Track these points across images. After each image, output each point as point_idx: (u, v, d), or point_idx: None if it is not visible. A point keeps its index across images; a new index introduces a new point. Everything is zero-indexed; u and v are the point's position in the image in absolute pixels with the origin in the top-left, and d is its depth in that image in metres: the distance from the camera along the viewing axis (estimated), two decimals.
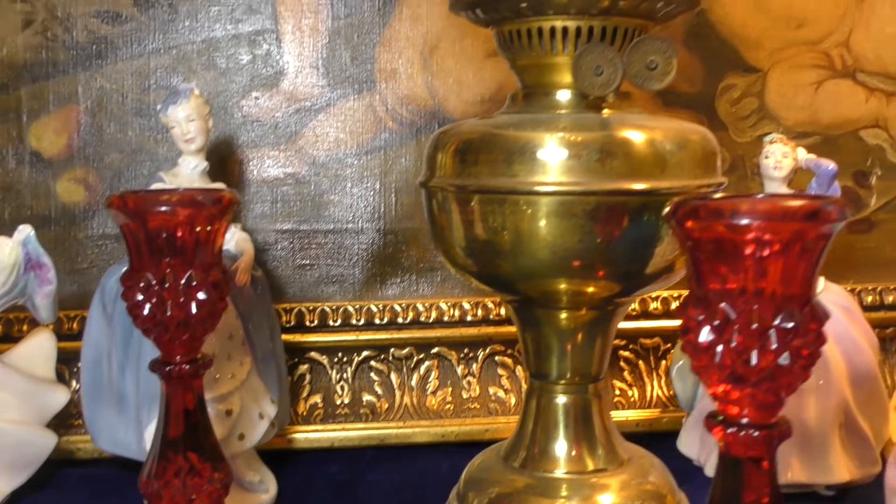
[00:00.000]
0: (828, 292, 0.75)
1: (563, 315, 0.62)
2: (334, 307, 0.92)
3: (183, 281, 0.55)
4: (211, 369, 0.70)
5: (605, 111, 0.59)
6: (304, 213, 0.92)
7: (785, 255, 0.40)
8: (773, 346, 0.40)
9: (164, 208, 0.55)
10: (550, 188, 0.55)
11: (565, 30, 0.57)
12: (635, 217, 0.56)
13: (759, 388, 0.41)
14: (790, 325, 0.40)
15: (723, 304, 0.41)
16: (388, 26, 0.91)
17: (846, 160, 0.96)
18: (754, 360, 0.40)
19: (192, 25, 0.90)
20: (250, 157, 0.91)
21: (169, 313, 0.55)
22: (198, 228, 0.56)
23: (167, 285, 0.55)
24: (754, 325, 0.40)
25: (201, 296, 0.56)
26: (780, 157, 0.76)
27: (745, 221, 0.40)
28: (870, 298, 0.96)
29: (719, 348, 0.41)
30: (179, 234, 0.55)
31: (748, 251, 0.40)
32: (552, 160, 0.55)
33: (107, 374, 0.74)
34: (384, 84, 0.92)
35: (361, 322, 0.92)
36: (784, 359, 0.40)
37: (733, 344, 0.40)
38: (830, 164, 0.73)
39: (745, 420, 0.42)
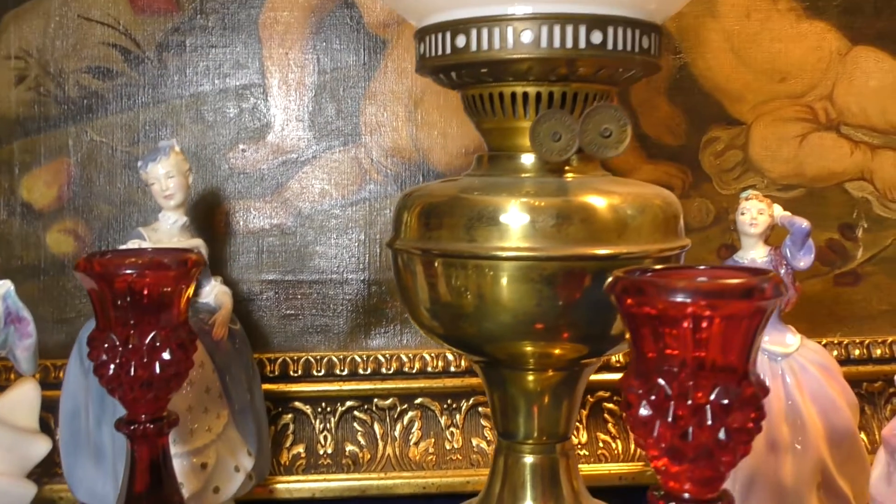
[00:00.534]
0: (804, 349, 0.75)
1: (530, 376, 0.62)
2: (318, 357, 0.92)
3: (147, 341, 0.56)
4: (187, 422, 0.71)
5: (569, 175, 0.60)
6: (289, 264, 0.93)
7: (721, 331, 0.40)
8: (710, 422, 0.40)
9: (129, 271, 0.56)
10: (511, 253, 0.56)
11: (525, 95, 0.58)
12: (596, 281, 0.56)
13: (697, 463, 0.41)
14: (726, 401, 0.40)
15: (660, 380, 0.41)
16: (373, 80, 0.93)
17: (832, 213, 0.96)
18: (691, 435, 0.40)
19: (181, 80, 0.91)
20: (237, 208, 0.93)
21: (133, 374, 0.56)
22: (163, 290, 0.57)
23: (131, 346, 0.56)
24: (689, 402, 0.40)
25: (166, 356, 0.57)
26: (755, 214, 0.76)
27: (681, 299, 0.40)
28: (857, 352, 0.95)
29: (657, 423, 0.41)
30: (145, 296, 0.56)
31: (685, 327, 0.40)
32: (513, 225, 0.56)
33: (84, 426, 0.74)
34: (369, 136, 0.93)
35: (345, 372, 0.92)
36: (721, 434, 0.40)
37: (670, 419, 0.41)
38: (804, 223, 0.73)
39: (686, 495, 0.42)
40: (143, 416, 0.58)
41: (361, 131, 0.93)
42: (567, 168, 0.60)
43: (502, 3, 0.55)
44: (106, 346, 0.56)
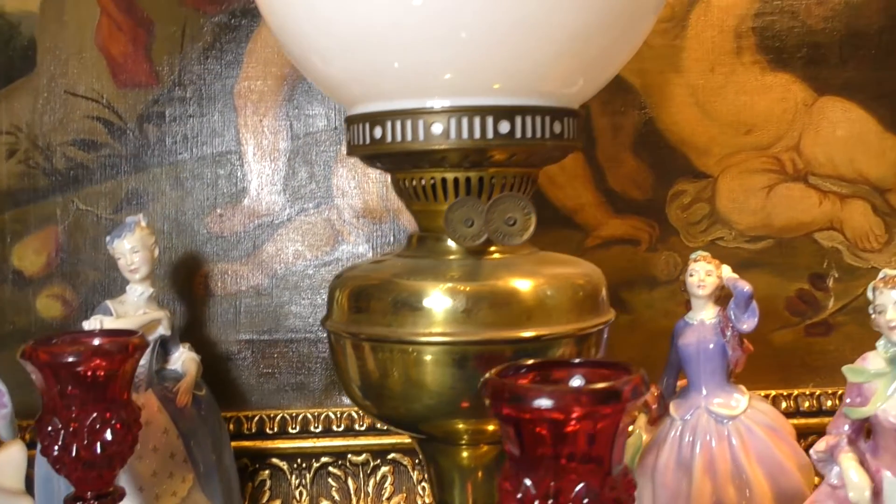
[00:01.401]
0: (752, 411, 0.76)
1: (464, 452, 0.64)
2: (294, 414, 0.95)
3: (88, 423, 0.60)
4: (153, 487, 0.74)
5: (494, 254, 0.62)
6: (265, 324, 0.96)
7: (584, 432, 0.42)
8: None
9: (72, 359, 0.59)
10: (433, 338, 0.58)
11: (444, 181, 0.60)
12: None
13: None
14: (586, 501, 0.41)
15: (526, 480, 0.43)
16: (344, 144, 0.96)
17: (801, 263, 0.96)
18: None
19: (161, 149, 0.96)
20: (215, 270, 0.96)
21: (75, 455, 0.60)
22: (105, 374, 0.60)
23: (72, 429, 0.59)
24: (550, 501, 0.42)
25: (108, 436, 0.60)
26: (703, 276, 0.77)
27: (544, 404, 0.42)
28: (829, 402, 0.95)
29: None
30: (87, 380, 0.60)
31: (548, 430, 0.42)
32: (435, 309, 0.58)
33: (57, 490, 0.78)
34: (341, 199, 0.96)
35: (320, 429, 0.95)
36: None
37: None
38: (746, 286, 0.74)
39: None
40: (88, 493, 0.61)
41: (334, 194, 0.96)
42: (493, 248, 0.62)
43: (415, 97, 0.57)
44: (49, 429, 0.59)
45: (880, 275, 0.63)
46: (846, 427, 0.62)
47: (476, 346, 0.58)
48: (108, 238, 0.80)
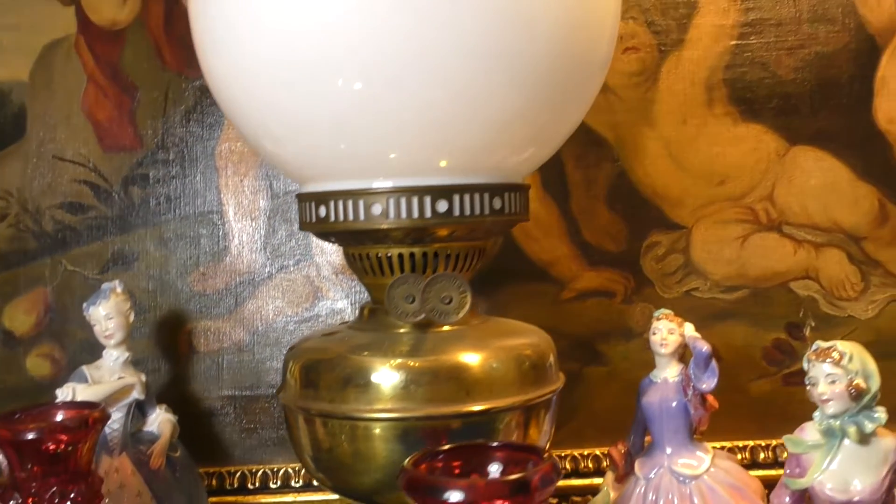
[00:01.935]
0: (716, 470, 0.76)
1: None
2: (275, 469, 0.97)
3: (48, 496, 0.62)
4: None
5: (444, 326, 0.63)
6: (246, 380, 0.98)
7: None
8: None
9: (32, 436, 0.61)
10: (381, 414, 0.59)
11: (389, 257, 0.62)
12: (466, 435, 0.59)
13: None
14: None
15: None
16: None
17: (778, 312, 0.96)
18: None
19: (145, 210, 0.99)
20: (198, 328, 0.98)
21: None
22: (65, 448, 0.62)
23: (31, 502, 0.61)
24: None
25: None
26: (665, 334, 0.78)
27: (455, 497, 0.43)
28: None
29: None
30: (48, 454, 0.62)
31: None
32: (384, 385, 0.60)
33: None
34: (320, 256, 0.98)
35: (300, 484, 0.96)
36: None
37: None
38: (704, 347, 0.74)
39: None
40: None
41: (313, 251, 0.98)
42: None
43: (362, 177, 0.59)
44: (11, 503, 0.61)
45: (813, 346, 0.64)
46: (787, 498, 0.63)
47: (422, 421, 0.59)
48: (84, 305, 0.83)
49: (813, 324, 0.96)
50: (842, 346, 0.61)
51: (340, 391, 0.60)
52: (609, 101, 0.97)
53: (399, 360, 0.60)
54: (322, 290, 0.98)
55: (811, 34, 0.96)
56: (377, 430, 0.60)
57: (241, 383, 0.98)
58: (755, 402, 0.96)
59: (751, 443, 0.95)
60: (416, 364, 0.60)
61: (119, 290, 0.83)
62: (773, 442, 0.95)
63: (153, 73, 0.99)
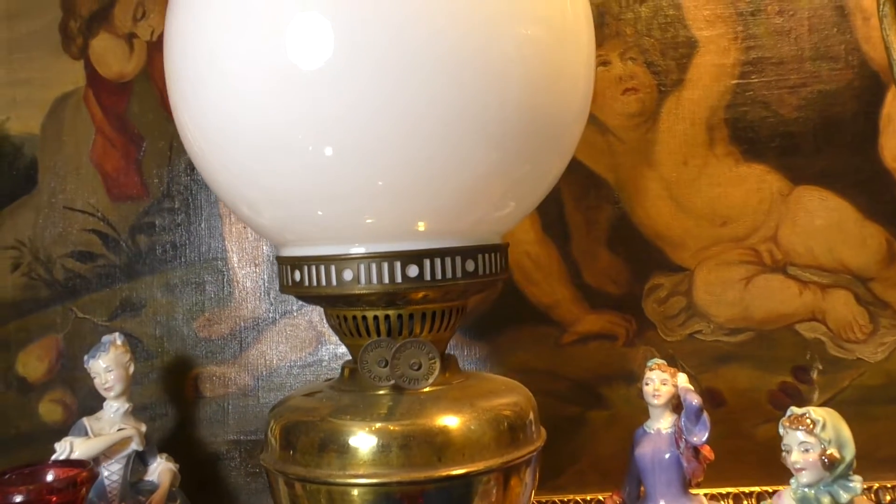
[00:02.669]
0: None
1: None
2: None
3: None
4: None
5: (426, 387, 0.63)
6: (251, 424, 0.99)
7: None
8: None
9: (19, 499, 0.63)
10: (360, 479, 0.60)
11: (365, 319, 0.62)
12: (444, 499, 0.59)
13: None
14: None
15: None
16: None
17: (784, 355, 0.95)
18: None
19: (152, 258, 1.00)
20: (204, 373, 1.00)
21: None
22: None
23: None
24: None
25: None
26: (658, 385, 0.77)
27: None
28: None
29: None
30: None
31: None
32: (362, 449, 0.60)
33: None
34: None
35: None
36: None
37: None
38: (695, 400, 0.73)
39: None
40: None
41: None
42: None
43: (339, 242, 0.60)
44: None
45: (787, 412, 0.62)
46: None
47: (400, 486, 0.59)
48: (84, 357, 0.84)
49: (820, 367, 0.94)
50: (815, 413, 0.60)
51: (317, 455, 0.61)
52: (609, 143, 0.97)
53: (376, 425, 0.60)
54: (325, 335, 0.99)
55: (814, 72, 0.95)
56: (354, 494, 0.60)
57: (246, 428, 0.99)
58: (761, 448, 0.94)
59: (757, 489, 0.93)
60: (395, 428, 0.60)
61: (119, 342, 0.84)
62: (780, 488, 0.93)
63: (159, 123, 1.01)
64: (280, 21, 0.57)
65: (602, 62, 0.97)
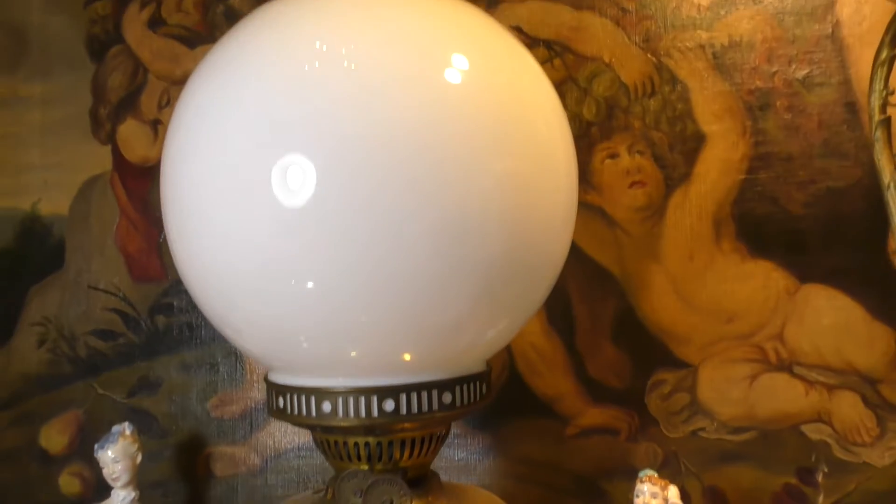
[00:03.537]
0: None
1: None
2: None
3: None
4: None
5: None
6: None
7: None
8: None
9: None
10: None
11: (346, 445, 0.64)
12: None
13: None
14: None
15: None
16: None
17: (788, 456, 0.94)
18: None
19: (168, 338, 1.04)
20: (215, 452, 1.03)
21: None
22: None
23: None
24: None
25: None
26: (648, 498, 0.77)
27: None
28: None
29: None
30: None
31: None
32: None
33: None
34: None
35: None
36: None
37: None
38: None
39: None
40: None
41: None
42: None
43: (320, 374, 0.62)
44: None
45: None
46: None
47: None
48: (95, 447, 0.88)
49: (826, 469, 0.93)
50: None
51: None
52: (615, 236, 0.98)
53: None
54: None
55: (823, 168, 0.94)
56: None
57: None
58: None
59: None
60: None
61: (128, 432, 0.87)
62: None
63: None
64: (266, 161, 0.59)
65: (610, 155, 0.98)
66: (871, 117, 0.69)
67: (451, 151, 0.59)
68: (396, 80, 0.58)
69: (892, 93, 0.69)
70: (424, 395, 0.61)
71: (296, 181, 0.58)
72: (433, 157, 0.59)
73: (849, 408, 0.93)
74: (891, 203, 0.70)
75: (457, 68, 0.60)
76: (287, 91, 0.59)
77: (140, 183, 1.06)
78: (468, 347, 0.64)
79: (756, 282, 0.95)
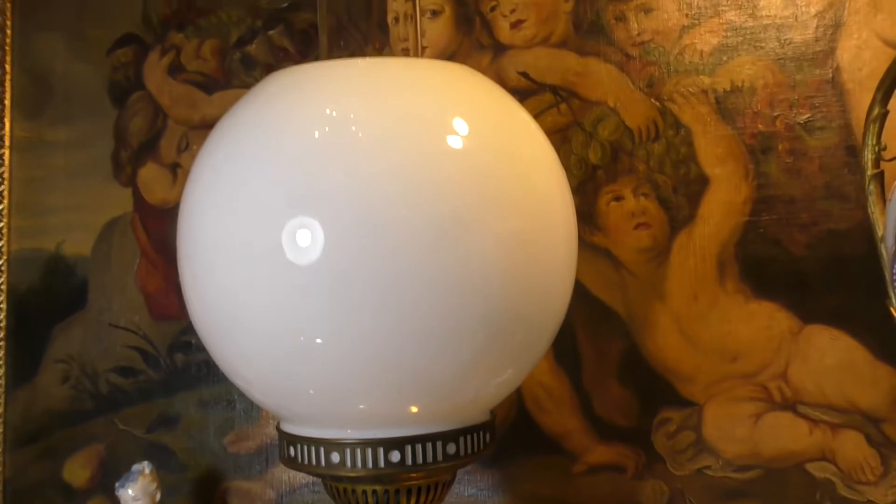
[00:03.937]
0: None
1: None
2: None
3: None
4: None
5: None
6: None
7: None
8: None
9: None
10: None
11: (354, 492, 0.67)
12: None
13: None
14: None
15: None
16: None
17: (792, 494, 0.95)
18: None
19: (186, 375, 1.07)
20: (232, 487, 1.06)
21: None
22: None
23: None
24: None
25: None
26: None
27: None
28: None
29: None
30: None
31: None
32: None
33: None
34: None
35: None
36: None
37: None
38: None
39: None
40: None
41: None
42: None
43: (318, 426, 0.65)
44: None
45: None
46: None
47: None
48: (116, 485, 0.91)
49: None
50: None
51: None
52: (621, 276, 1.00)
53: None
54: None
55: (824, 211, 0.96)
56: None
57: None
58: None
59: None
60: None
61: (147, 471, 0.91)
62: None
63: None
64: (276, 224, 0.62)
65: (615, 197, 1.00)
66: (864, 172, 0.71)
67: (453, 213, 0.62)
68: (400, 147, 0.61)
69: (885, 148, 0.71)
70: (429, 446, 0.64)
71: (305, 242, 0.60)
72: (436, 218, 0.62)
73: (853, 447, 0.94)
74: (884, 255, 0.72)
75: (457, 133, 0.63)
76: (298, 157, 0.62)
77: (160, 224, 1.10)
78: (474, 398, 0.66)
79: (760, 322, 0.96)
